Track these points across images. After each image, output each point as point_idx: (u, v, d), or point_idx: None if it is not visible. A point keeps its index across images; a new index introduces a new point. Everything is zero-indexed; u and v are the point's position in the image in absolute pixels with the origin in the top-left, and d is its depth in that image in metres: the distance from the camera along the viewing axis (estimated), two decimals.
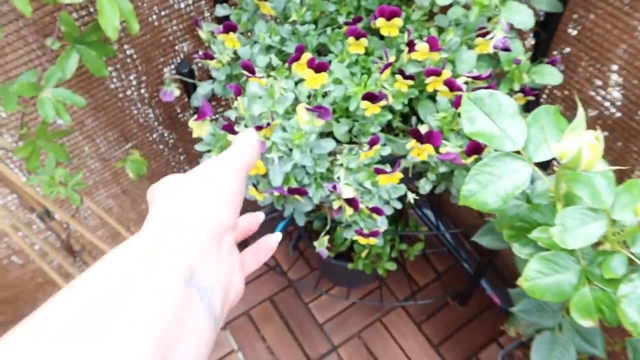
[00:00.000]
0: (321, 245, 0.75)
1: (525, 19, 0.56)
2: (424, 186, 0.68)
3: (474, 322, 1.35)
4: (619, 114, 0.74)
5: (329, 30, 0.74)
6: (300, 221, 0.72)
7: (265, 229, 1.40)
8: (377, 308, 1.36)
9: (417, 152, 0.60)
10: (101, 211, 0.78)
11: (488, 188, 0.48)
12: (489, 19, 0.66)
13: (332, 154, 0.69)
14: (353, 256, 1.12)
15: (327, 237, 0.76)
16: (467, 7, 0.63)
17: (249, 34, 0.77)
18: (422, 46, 0.59)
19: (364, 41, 0.67)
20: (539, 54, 0.76)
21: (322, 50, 0.77)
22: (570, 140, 0.40)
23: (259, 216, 0.40)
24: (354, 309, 1.37)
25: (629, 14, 0.65)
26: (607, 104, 0.76)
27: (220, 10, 0.74)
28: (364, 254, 1.04)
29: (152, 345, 0.22)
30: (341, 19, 0.74)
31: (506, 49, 0.58)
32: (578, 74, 0.77)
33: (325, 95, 0.67)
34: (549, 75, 0.62)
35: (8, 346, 0.20)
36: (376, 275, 1.19)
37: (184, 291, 0.25)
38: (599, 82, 0.75)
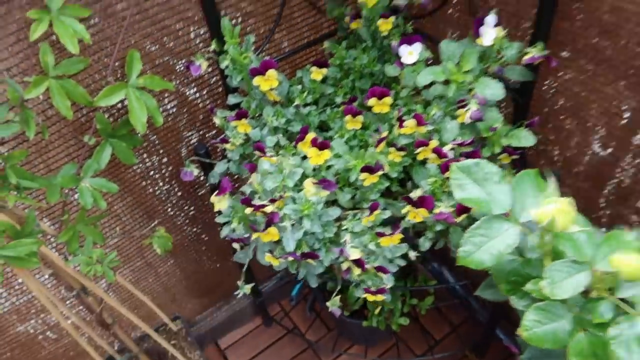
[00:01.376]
0: (334, 304, 0.81)
1: (495, 91, 0.65)
2: (424, 244, 0.74)
3: None
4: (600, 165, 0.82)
5: (328, 109, 0.84)
6: (313, 283, 0.78)
7: (282, 292, 1.47)
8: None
9: (413, 215, 0.67)
10: (129, 284, 0.85)
11: (482, 248, 0.52)
12: (470, 91, 0.75)
13: (338, 219, 0.76)
14: (367, 314, 1.16)
15: (339, 296, 0.82)
16: (447, 82, 0.72)
17: (258, 117, 0.87)
18: (410, 122, 0.68)
19: (360, 118, 0.76)
20: (519, 117, 0.84)
21: (323, 126, 0.86)
22: (545, 207, 0.46)
23: None
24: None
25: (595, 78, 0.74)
26: (587, 158, 0.83)
27: (232, 99, 0.84)
28: (377, 311, 1.09)
29: None
30: (338, 99, 0.84)
31: (479, 119, 0.66)
32: (559, 132, 0.85)
33: (329, 167, 0.75)
34: (524, 139, 0.70)
35: None
36: (392, 331, 1.23)
37: None
38: (577, 139, 0.83)
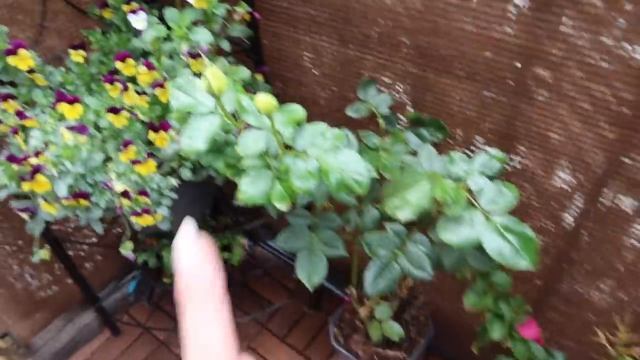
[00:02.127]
0: (126, 249, 0.92)
1: (204, 37, 0.84)
2: (185, 173, 0.89)
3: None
4: None
5: (94, 87, 0.97)
6: (99, 229, 0.89)
7: (124, 300, 1.50)
8: (241, 335, 1.49)
9: (160, 141, 0.82)
10: None
11: (196, 137, 0.66)
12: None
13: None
14: None
15: (131, 242, 0.93)
16: None
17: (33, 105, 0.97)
18: (141, 69, 0.84)
19: (118, 85, 0.91)
20: (258, 68, 1.04)
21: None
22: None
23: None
24: None
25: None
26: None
27: (2, 90, 0.94)
28: None
29: None
30: None
31: (196, 56, 0.85)
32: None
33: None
34: (262, 88, 0.90)
35: None
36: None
37: None
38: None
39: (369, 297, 1.17)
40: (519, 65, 0.76)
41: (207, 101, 0.66)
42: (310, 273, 0.84)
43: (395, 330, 1.10)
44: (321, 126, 0.70)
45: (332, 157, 0.63)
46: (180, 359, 1.46)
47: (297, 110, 0.67)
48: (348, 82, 0.98)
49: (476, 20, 0.75)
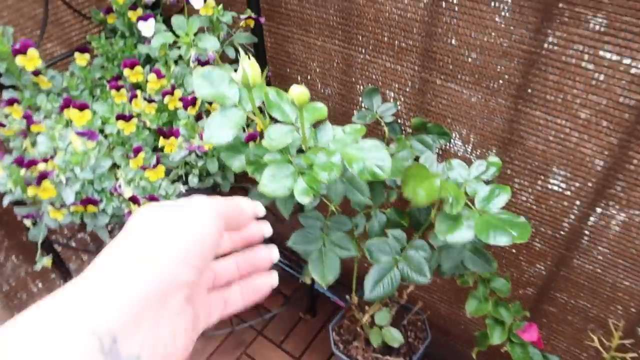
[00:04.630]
0: None
1: (211, 44, 0.85)
2: (192, 180, 0.89)
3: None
4: None
5: (98, 91, 0.97)
6: (105, 236, 0.88)
7: None
8: (238, 342, 1.49)
9: (169, 148, 0.82)
10: None
11: (222, 129, 0.64)
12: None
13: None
14: None
15: None
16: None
17: (37, 110, 0.96)
18: (151, 76, 0.84)
19: (124, 91, 0.91)
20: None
21: None
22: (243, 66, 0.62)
23: (266, 229, 0.38)
24: (214, 346, 1.48)
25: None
26: None
27: (6, 94, 0.93)
28: None
29: None
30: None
31: (205, 63, 0.85)
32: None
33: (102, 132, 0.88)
34: None
35: None
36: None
37: None
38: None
39: (369, 304, 1.19)
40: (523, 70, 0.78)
41: (232, 93, 0.63)
42: (324, 271, 0.85)
43: (394, 336, 1.11)
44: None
45: (355, 148, 0.64)
46: None
47: (321, 108, 0.67)
48: (357, 85, 1.00)
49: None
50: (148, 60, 0.99)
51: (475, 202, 0.74)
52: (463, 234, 0.71)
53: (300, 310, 1.56)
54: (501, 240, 0.65)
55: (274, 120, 0.66)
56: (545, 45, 0.73)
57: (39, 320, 0.22)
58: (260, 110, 0.64)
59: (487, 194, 0.74)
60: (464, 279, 0.94)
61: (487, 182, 0.78)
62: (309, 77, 1.05)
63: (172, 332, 0.27)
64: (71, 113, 0.82)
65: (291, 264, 1.60)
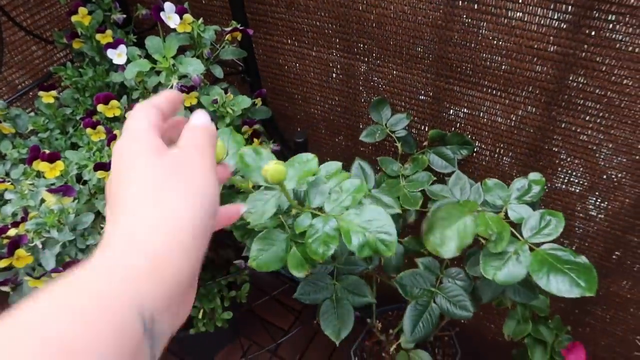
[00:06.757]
0: None
1: (196, 67, 0.73)
2: None
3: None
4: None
5: (71, 130, 0.85)
6: None
7: None
8: None
9: None
10: None
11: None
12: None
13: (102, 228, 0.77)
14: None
15: None
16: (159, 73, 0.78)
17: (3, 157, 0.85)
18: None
19: (101, 128, 0.79)
20: (254, 91, 0.93)
21: (75, 148, 0.87)
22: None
23: (241, 208, 0.38)
24: None
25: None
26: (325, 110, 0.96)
27: None
28: (200, 315, 1.11)
29: None
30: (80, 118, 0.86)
31: (189, 90, 0.74)
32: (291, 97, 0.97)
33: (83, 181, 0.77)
34: (259, 112, 0.80)
35: None
36: (234, 332, 1.25)
37: (140, 340, 0.22)
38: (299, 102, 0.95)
39: (392, 325, 1.10)
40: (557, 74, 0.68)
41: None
42: (338, 328, 0.75)
43: (424, 358, 1.03)
44: (335, 168, 0.61)
45: (354, 214, 0.55)
46: None
47: (310, 162, 0.57)
48: (360, 97, 0.89)
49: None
50: (124, 88, 0.87)
51: (522, 231, 0.64)
52: (512, 273, 0.62)
53: (312, 320, 1.47)
54: (563, 287, 0.56)
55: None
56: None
57: (89, 291, 0.22)
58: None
59: (537, 222, 0.64)
60: (500, 301, 0.86)
61: (531, 204, 0.68)
62: (305, 90, 0.94)
63: (187, 309, 0.28)
64: (40, 166, 0.70)
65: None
